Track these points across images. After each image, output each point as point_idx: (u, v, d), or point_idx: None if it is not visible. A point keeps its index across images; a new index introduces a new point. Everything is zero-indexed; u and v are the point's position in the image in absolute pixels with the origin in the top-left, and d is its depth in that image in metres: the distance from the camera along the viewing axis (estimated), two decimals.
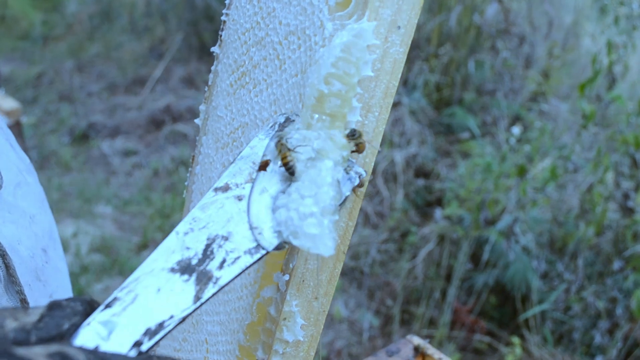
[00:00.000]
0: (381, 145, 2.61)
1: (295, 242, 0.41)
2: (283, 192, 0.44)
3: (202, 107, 0.70)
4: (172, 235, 0.41)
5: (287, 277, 0.49)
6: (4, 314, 0.32)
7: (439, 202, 2.81)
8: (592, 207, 2.18)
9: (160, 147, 3.86)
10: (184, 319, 0.38)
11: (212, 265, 0.40)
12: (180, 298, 0.38)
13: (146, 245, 3.05)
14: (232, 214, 0.43)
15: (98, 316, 0.35)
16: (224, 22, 0.66)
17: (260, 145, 0.48)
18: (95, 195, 3.44)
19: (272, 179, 0.45)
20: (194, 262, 0.40)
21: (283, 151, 0.44)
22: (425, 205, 2.91)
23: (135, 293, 0.37)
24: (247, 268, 0.41)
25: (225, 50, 0.66)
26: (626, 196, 2.13)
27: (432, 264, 2.47)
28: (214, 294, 0.39)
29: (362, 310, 2.48)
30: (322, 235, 0.41)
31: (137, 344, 0.35)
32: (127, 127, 4.12)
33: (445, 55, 3.33)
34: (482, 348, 2.31)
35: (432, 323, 2.37)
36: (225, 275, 0.40)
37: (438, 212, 2.56)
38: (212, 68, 0.69)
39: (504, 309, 2.40)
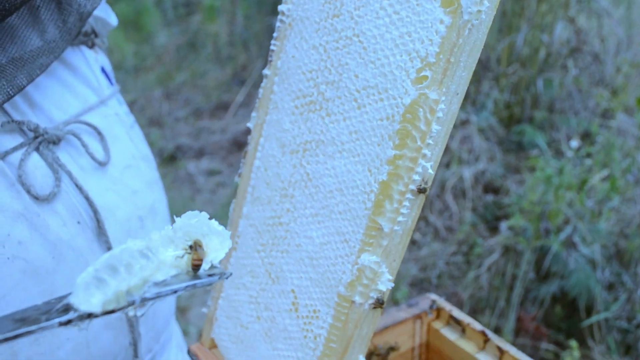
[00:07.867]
0: (450, 161, 2.69)
1: None
2: None
3: (253, 114, 0.73)
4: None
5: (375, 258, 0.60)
6: None
7: (508, 217, 2.87)
8: None
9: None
10: None
11: None
12: None
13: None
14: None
15: None
16: (273, 51, 0.70)
17: None
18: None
19: None
20: None
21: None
22: (495, 219, 2.98)
23: None
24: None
25: (283, 76, 0.69)
26: None
27: (497, 274, 2.55)
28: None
29: None
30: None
31: None
32: (211, 148, 4.39)
33: (514, 74, 3.40)
34: (548, 358, 2.35)
35: (497, 331, 2.43)
36: None
37: (503, 225, 2.64)
38: (262, 84, 0.72)
39: (572, 320, 2.44)
